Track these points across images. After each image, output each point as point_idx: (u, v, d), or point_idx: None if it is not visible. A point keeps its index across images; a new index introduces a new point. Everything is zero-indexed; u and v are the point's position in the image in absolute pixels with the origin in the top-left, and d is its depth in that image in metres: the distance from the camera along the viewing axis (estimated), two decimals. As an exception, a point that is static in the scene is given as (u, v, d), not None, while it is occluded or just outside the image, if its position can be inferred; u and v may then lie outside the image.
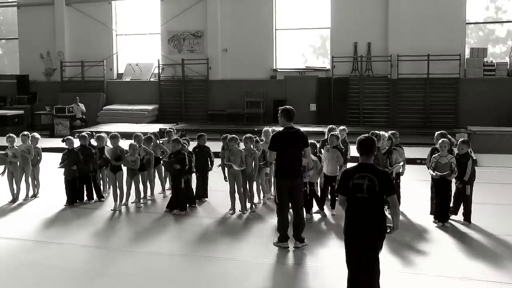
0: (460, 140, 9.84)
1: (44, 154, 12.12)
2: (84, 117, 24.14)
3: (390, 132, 10.53)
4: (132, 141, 11.35)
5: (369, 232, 5.83)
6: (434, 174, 9.39)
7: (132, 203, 11.12)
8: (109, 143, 11.46)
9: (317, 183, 10.27)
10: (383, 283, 7.03)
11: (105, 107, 25.59)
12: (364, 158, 5.99)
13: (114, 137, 11.07)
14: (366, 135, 6.23)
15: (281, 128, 8.54)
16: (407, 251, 8.23)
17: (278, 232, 8.45)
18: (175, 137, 11.03)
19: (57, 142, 17.41)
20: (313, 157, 9.65)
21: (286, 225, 8.39)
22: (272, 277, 7.35)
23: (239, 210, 10.38)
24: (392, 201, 5.98)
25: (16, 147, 11.45)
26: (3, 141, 12.08)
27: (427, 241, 8.73)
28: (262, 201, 11.16)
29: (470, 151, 10.14)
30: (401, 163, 10.26)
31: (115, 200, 10.83)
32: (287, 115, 8.40)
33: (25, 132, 11.93)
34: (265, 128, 11.67)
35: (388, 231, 5.92)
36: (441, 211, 9.44)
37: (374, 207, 5.86)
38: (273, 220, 9.89)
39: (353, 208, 5.92)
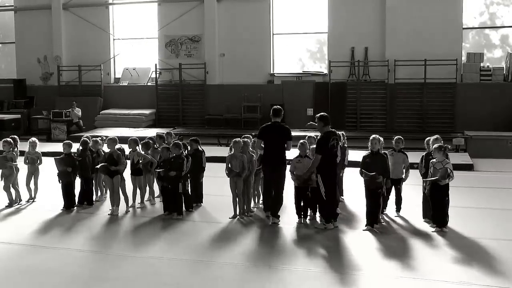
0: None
1: (44, 158, 12.09)
2: (80, 121, 24.09)
3: (395, 137, 10.58)
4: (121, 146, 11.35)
5: (336, 168, 9.85)
6: (427, 179, 9.40)
7: (130, 207, 11.11)
8: (105, 148, 11.47)
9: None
10: (381, 287, 7.07)
11: (102, 112, 25.56)
12: (328, 127, 9.63)
13: (111, 141, 11.03)
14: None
15: None
16: (405, 256, 8.24)
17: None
18: (175, 141, 11.01)
19: (54, 147, 17.42)
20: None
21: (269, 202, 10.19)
22: (270, 281, 7.33)
23: (238, 215, 10.35)
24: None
25: (13, 152, 11.44)
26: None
27: (424, 246, 8.73)
28: (257, 205, 11.13)
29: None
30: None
31: (112, 205, 10.82)
32: (273, 113, 10.42)
33: (13, 137, 11.87)
34: None
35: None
36: (438, 216, 9.42)
37: (336, 158, 9.72)
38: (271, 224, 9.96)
39: (330, 157, 9.53)
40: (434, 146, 9.41)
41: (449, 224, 9.53)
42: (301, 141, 10.18)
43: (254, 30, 24.38)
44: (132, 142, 11.22)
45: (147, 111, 24.94)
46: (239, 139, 10.43)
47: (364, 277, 7.41)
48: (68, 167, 11.05)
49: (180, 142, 10.86)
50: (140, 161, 11.14)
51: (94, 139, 11.82)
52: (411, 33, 22.39)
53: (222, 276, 7.52)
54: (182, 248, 8.74)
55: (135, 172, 11.23)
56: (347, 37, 23.19)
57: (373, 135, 9.78)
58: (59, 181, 11.25)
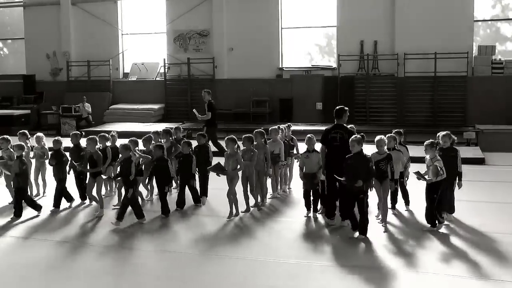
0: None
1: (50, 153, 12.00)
2: (90, 116, 24.14)
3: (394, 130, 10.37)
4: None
5: (340, 166, 8.82)
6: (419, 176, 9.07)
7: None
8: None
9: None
10: (387, 281, 7.00)
11: (111, 107, 25.62)
12: (337, 120, 9.51)
13: (90, 141, 10.50)
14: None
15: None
16: (413, 250, 8.16)
17: None
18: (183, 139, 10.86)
19: (63, 142, 17.38)
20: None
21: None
22: (277, 275, 7.29)
23: (242, 211, 10.24)
24: None
25: (11, 149, 10.91)
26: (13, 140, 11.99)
27: (431, 240, 8.61)
28: (265, 200, 11.01)
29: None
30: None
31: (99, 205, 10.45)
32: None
33: (23, 132, 11.72)
34: (272, 127, 11.48)
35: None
36: (427, 214, 9.07)
37: (343, 152, 8.84)
38: (281, 219, 9.88)
39: (330, 153, 9.29)
40: (425, 143, 9.05)
41: (460, 218, 9.44)
42: (309, 135, 10.03)
43: (262, 24, 24.29)
44: (132, 143, 10.58)
45: (156, 106, 24.94)
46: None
47: (372, 271, 7.34)
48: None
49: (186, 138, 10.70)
50: (141, 163, 10.53)
51: (102, 134, 11.43)
52: (421, 26, 22.20)
53: (230, 269, 7.49)
54: (190, 242, 8.69)
55: (137, 173, 10.42)
56: (356, 30, 23.04)
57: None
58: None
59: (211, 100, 16.24)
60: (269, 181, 11.21)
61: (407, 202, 10.29)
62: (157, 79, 25.91)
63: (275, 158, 10.97)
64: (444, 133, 9.65)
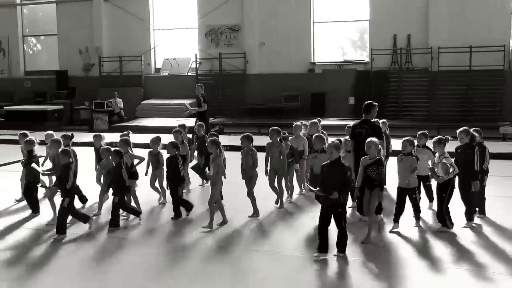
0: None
1: (83, 148, 11.74)
2: (122, 112, 24.34)
3: (418, 133, 9.91)
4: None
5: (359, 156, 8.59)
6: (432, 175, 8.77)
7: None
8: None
9: None
10: (411, 277, 6.83)
11: (143, 102, 25.77)
12: (364, 115, 9.49)
13: (53, 142, 9.57)
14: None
15: None
16: (434, 246, 8.01)
17: None
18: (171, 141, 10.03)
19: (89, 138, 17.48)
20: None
21: None
22: (302, 269, 7.22)
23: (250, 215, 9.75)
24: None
25: None
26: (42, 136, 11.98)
27: (454, 237, 8.40)
28: (289, 199, 10.74)
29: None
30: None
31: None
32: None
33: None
34: (295, 123, 11.13)
35: None
36: (438, 213, 8.77)
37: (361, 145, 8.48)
38: (305, 214, 9.76)
39: (357, 148, 9.09)
40: (433, 140, 8.75)
41: (493, 215, 9.22)
42: (316, 134, 9.77)
43: (294, 19, 24.15)
44: (123, 143, 9.88)
45: (187, 101, 24.95)
46: (216, 139, 9.55)
47: (397, 269, 7.19)
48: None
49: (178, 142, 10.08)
50: (135, 164, 9.95)
51: (97, 133, 10.92)
52: (456, 19, 21.83)
53: (253, 263, 7.45)
54: (209, 237, 8.60)
55: (130, 176, 9.54)
56: (389, 24, 22.77)
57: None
58: None
59: (204, 94, 17.30)
60: (294, 177, 10.98)
61: (431, 204, 9.91)
62: (189, 74, 25.97)
63: (300, 155, 10.77)
64: (461, 129, 9.19)
